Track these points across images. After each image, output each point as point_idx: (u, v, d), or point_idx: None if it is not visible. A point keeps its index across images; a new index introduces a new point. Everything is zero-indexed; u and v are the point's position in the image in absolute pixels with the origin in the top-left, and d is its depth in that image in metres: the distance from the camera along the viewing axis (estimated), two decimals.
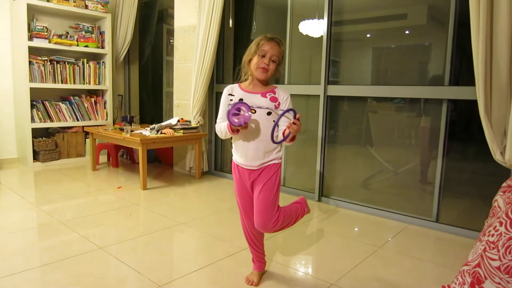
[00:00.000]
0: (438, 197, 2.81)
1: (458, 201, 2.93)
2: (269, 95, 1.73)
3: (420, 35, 3.21)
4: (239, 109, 1.63)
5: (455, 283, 1.85)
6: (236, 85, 1.80)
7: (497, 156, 2.21)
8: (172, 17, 4.48)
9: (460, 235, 2.67)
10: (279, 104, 1.73)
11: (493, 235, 1.74)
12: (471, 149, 2.96)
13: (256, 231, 1.88)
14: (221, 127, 1.75)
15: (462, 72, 2.76)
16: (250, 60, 1.74)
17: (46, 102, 4.51)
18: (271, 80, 1.80)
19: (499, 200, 1.89)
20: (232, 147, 1.83)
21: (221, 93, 4.42)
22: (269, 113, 1.70)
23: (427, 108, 2.99)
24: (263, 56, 1.69)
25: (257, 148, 1.72)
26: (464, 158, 2.97)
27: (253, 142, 1.72)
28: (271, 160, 1.75)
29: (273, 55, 1.69)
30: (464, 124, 2.89)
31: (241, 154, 1.76)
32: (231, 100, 1.75)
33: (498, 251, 1.67)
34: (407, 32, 3.32)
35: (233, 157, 1.84)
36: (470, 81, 2.47)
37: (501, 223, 1.73)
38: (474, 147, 2.90)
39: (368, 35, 3.56)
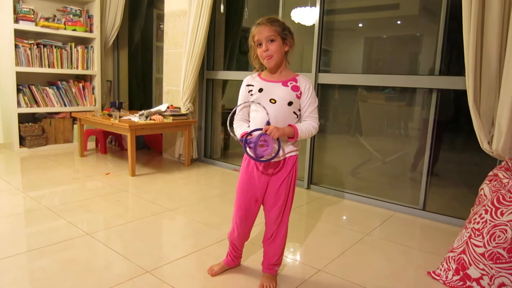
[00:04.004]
0: (426, 185, 2.84)
1: (445, 190, 2.97)
2: (290, 83, 1.63)
3: (412, 25, 3.21)
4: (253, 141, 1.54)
5: (440, 269, 1.89)
6: (255, 75, 1.70)
7: (484, 146, 2.23)
8: (162, 1, 4.41)
9: (446, 223, 2.71)
10: (301, 93, 1.63)
11: (478, 223, 1.77)
12: (459, 138, 2.99)
13: (244, 233, 1.79)
14: (237, 132, 1.68)
15: (452, 63, 2.77)
16: (255, 55, 1.66)
17: (33, 87, 4.43)
18: (291, 56, 1.70)
19: (485, 188, 1.92)
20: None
21: (212, 80, 4.39)
22: (290, 103, 1.61)
23: (417, 97, 3.00)
24: (260, 44, 1.60)
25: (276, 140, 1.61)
26: (453, 148, 3.01)
27: None
28: (289, 152, 1.66)
29: (267, 37, 1.57)
30: (453, 114, 2.92)
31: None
32: (251, 90, 1.66)
33: (483, 238, 1.70)
34: (399, 22, 3.32)
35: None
36: (460, 71, 2.48)
37: (486, 211, 1.76)
38: (463, 136, 2.93)
39: (360, 25, 3.55)
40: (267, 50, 1.59)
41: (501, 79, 2.14)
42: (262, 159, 1.58)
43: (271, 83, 1.64)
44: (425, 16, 3.11)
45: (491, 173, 2.00)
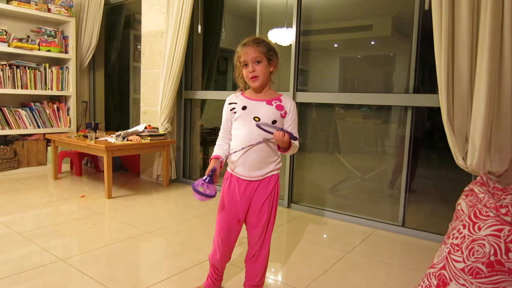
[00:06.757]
0: (404, 202, 2.87)
1: (423, 206, 3.01)
2: (275, 103, 1.64)
3: (385, 46, 3.31)
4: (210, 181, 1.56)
5: (421, 286, 1.89)
6: (239, 93, 1.71)
7: (459, 161, 2.28)
8: (139, 22, 4.41)
9: (426, 238, 2.73)
10: (285, 113, 1.65)
11: (457, 238, 1.78)
12: (435, 154, 3.05)
13: (226, 254, 1.77)
14: (214, 151, 1.70)
15: (426, 81, 2.85)
16: (240, 75, 1.67)
17: (5, 109, 4.30)
18: (276, 77, 1.72)
19: (462, 203, 1.95)
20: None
21: (190, 99, 4.38)
22: (273, 122, 1.61)
23: (393, 115, 3.06)
24: (246, 65, 1.62)
25: (258, 158, 1.62)
26: (429, 163, 3.06)
27: (255, 151, 1.62)
28: (271, 171, 1.67)
29: (254, 58, 1.59)
30: (429, 130, 2.99)
31: (240, 164, 1.64)
32: (233, 108, 1.65)
33: (462, 253, 1.71)
34: (372, 42, 3.41)
35: (228, 167, 1.71)
36: (433, 89, 2.55)
37: (464, 226, 1.78)
38: (439, 152, 3.00)
39: (336, 45, 3.63)
40: (253, 71, 1.60)
41: (472, 96, 2.20)
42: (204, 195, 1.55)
43: (255, 101, 1.65)
44: (397, 37, 3.21)
45: (467, 188, 2.04)
